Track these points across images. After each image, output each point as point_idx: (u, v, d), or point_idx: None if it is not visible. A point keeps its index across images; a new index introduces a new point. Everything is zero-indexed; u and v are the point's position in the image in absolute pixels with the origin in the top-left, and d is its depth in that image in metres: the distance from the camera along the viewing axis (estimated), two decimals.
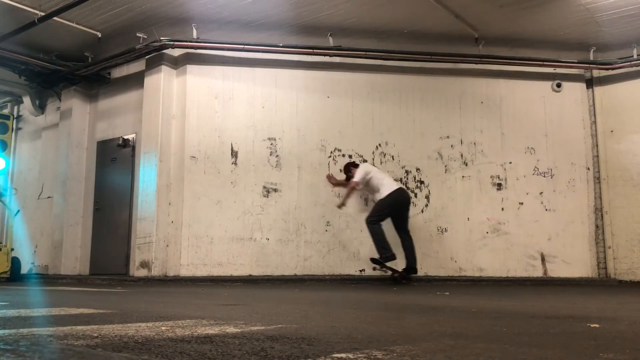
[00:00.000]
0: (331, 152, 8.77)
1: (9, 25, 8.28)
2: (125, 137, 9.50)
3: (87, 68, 9.50)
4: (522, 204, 8.84)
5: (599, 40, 8.72)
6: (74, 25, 8.63)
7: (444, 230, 8.75)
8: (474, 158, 8.94)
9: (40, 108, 11.11)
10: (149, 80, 8.95)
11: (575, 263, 8.73)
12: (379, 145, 8.86)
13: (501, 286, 7.49)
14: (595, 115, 9.17)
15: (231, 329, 2.33)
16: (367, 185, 7.77)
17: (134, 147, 9.41)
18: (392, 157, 8.85)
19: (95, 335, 2.09)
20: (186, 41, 8.60)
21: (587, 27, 8.34)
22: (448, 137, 8.97)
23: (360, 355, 1.68)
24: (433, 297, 5.04)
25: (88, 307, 3.43)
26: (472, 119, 9.04)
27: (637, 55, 8.74)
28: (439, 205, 8.80)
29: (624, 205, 8.79)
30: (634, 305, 4.27)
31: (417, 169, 8.86)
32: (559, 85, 9.14)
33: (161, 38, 8.54)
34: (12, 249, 9.02)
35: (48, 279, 9.25)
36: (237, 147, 8.67)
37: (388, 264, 7.45)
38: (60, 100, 10.44)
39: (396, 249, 7.45)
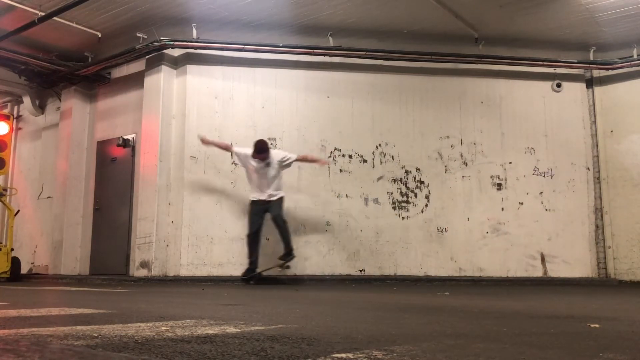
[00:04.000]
0: (331, 152, 8.76)
1: (9, 25, 8.28)
2: (125, 137, 9.49)
3: (87, 68, 9.50)
4: (522, 204, 8.84)
5: (599, 40, 8.72)
6: (74, 25, 8.62)
7: (444, 230, 8.75)
8: (474, 158, 8.94)
9: (40, 108, 11.10)
10: (149, 80, 8.95)
11: (575, 263, 8.73)
12: (379, 145, 8.86)
13: (501, 286, 7.49)
14: (595, 115, 9.17)
15: (231, 329, 2.33)
16: (279, 171, 7.59)
17: (134, 147, 9.40)
18: (392, 157, 8.85)
19: (95, 335, 2.09)
20: (186, 41, 8.60)
21: (587, 27, 8.34)
22: (448, 137, 8.97)
23: (360, 355, 1.68)
24: (433, 297, 5.04)
25: (88, 307, 3.43)
26: (472, 119, 9.04)
27: (637, 55, 8.75)
28: (439, 205, 8.80)
29: (624, 205, 8.79)
30: (634, 305, 4.27)
31: (417, 169, 8.86)
32: (559, 85, 9.14)
33: (161, 38, 8.55)
34: (12, 249, 9.03)
35: (48, 279, 9.25)
36: None
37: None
38: (60, 100, 10.44)
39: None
